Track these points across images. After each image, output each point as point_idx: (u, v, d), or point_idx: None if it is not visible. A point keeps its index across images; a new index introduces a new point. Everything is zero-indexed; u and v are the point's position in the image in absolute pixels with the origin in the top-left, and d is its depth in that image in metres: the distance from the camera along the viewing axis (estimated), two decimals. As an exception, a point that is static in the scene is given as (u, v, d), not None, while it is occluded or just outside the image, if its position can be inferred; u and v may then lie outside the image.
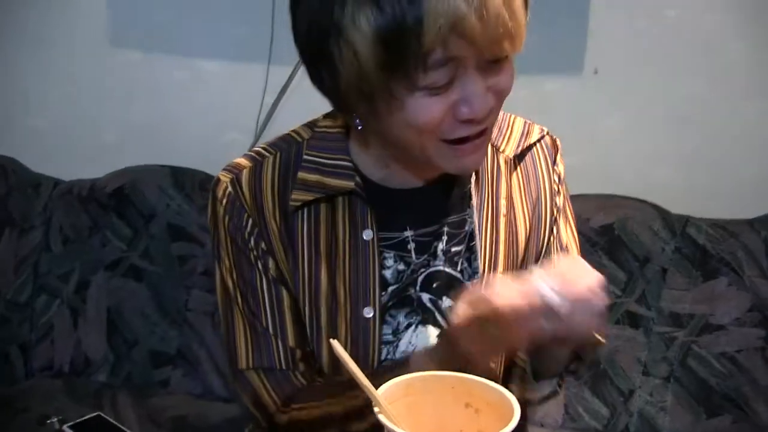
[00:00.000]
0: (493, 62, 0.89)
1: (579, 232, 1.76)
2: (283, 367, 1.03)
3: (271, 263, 1.02)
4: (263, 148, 1.05)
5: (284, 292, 1.03)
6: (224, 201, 1.02)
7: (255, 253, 1.02)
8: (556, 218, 1.11)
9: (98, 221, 1.88)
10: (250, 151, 1.06)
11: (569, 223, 1.14)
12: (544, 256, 1.10)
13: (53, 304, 1.90)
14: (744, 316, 1.74)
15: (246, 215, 1.01)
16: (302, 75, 1.92)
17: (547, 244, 1.10)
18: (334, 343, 0.79)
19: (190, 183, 1.87)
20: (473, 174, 1.04)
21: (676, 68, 1.95)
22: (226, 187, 1.02)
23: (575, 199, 1.81)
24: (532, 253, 1.08)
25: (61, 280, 1.91)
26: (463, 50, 0.85)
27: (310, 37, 0.90)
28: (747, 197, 1.95)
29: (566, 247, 1.11)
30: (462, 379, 0.78)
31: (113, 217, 1.87)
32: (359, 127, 0.97)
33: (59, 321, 1.89)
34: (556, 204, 1.11)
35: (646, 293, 1.77)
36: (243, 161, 1.04)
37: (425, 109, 0.88)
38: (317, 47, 0.89)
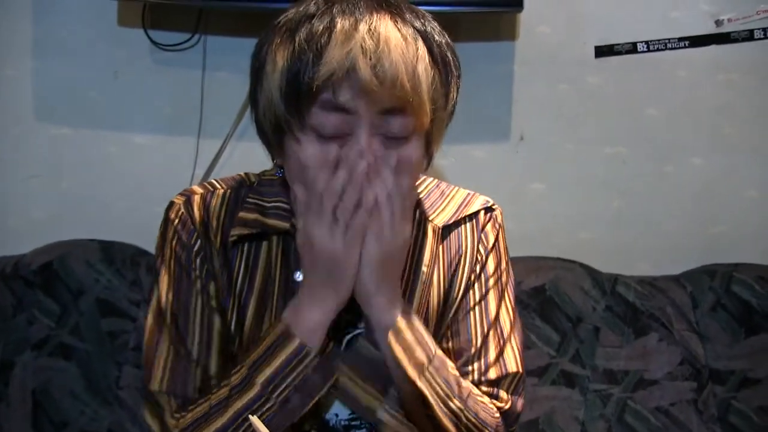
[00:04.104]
0: (395, 138, 0.96)
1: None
2: (196, 396, 1.03)
3: (212, 287, 1.05)
4: (216, 181, 1.11)
5: (217, 320, 1.04)
6: (176, 221, 1.06)
7: (197, 273, 1.04)
8: (473, 284, 1.12)
9: (24, 299, 1.82)
10: (203, 181, 1.11)
11: (504, 299, 1.14)
12: (453, 321, 1.11)
13: (-28, 390, 1.81)
14: (675, 369, 1.78)
15: (195, 235, 1.05)
16: (232, 148, 1.94)
17: (457, 309, 1.11)
18: (253, 419, 0.81)
19: (120, 257, 1.83)
20: None
21: (597, 131, 2.02)
22: (179, 208, 1.06)
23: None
24: (444, 321, 1.10)
25: (-18, 364, 1.82)
26: (353, 102, 0.93)
27: (251, 70, 1.01)
28: (671, 254, 2.01)
29: (494, 320, 1.11)
30: None
31: (40, 294, 1.81)
32: (278, 174, 1.06)
33: (-22, 408, 1.80)
34: (475, 271, 1.12)
35: (580, 352, 1.79)
36: (196, 188, 1.09)
37: (315, 149, 0.96)
38: (253, 79, 1.01)
